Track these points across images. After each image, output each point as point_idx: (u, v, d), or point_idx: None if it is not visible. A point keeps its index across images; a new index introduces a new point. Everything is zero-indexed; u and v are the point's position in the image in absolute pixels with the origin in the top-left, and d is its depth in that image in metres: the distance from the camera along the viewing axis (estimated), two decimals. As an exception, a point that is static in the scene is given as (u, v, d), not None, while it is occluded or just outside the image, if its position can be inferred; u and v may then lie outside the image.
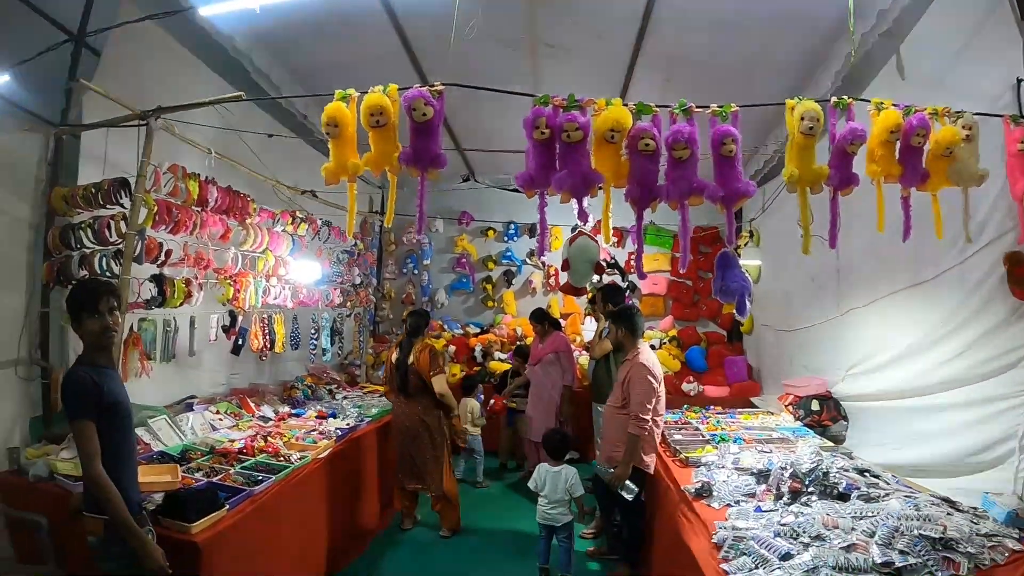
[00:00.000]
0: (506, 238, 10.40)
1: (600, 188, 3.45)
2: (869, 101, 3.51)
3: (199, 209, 4.83)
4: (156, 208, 4.30)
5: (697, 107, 3.45)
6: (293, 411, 6.24)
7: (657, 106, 3.43)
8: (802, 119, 3.32)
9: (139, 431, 4.68)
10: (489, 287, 10.41)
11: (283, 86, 5.98)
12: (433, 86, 3.37)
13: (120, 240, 4.20)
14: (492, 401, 7.95)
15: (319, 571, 4.83)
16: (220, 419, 5.47)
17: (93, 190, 4.28)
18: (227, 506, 3.71)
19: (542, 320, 7.25)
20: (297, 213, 6.28)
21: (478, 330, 10.00)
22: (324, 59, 5.82)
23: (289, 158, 6.46)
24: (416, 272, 10.54)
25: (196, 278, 4.95)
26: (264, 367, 7.08)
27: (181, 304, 4.75)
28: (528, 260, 10.34)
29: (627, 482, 4.64)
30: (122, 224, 4.20)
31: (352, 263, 7.88)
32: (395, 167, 3.46)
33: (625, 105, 3.40)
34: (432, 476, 5.82)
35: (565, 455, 5.19)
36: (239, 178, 5.39)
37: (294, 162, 6.49)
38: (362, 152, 3.52)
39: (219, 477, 4.19)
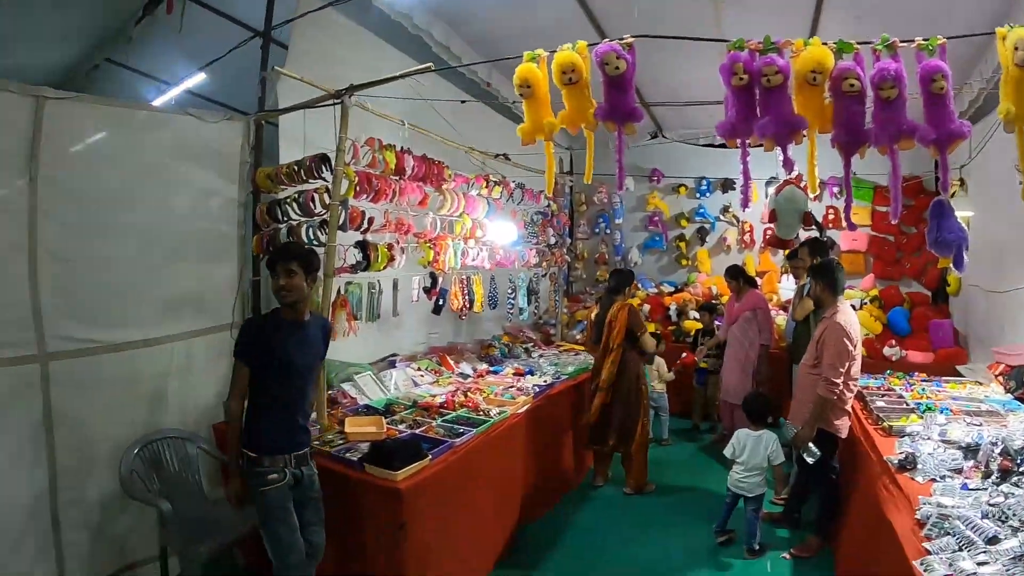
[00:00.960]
0: (698, 194, 9.80)
1: (804, 134, 3.11)
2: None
3: (397, 178, 4.89)
4: (356, 179, 4.38)
5: (901, 42, 3.04)
6: (491, 368, 6.27)
7: (858, 43, 3.11)
8: (1016, 49, 2.79)
9: (346, 385, 4.95)
10: (682, 245, 9.91)
11: (464, 57, 5.99)
12: (623, 39, 3.22)
13: (324, 211, 4.33)
14: (684, 355, 7.70)
15: (512, 522, 4.80)
16: (421, 375, 5.64)
17: (296, 167, 4.45)
18: (430, 456, 3.78)
19: (737, 276, 6.70)
20: (491, 177, 6.22)
21: (672, 289, 9.55)
22: (501, 29, 5.77)
23: (478, 126, 6.46)
24: (608, 232, 10.27)
25: (397, 243, 5.03)
26: (462, 326, 7.21)
27: (384, 267, 4.85)
28: (722, 216, 9.69)
29: (809, 444, 4.24)
30: (325, 196, 4.32)
31: (546, 224, 7.75)
32: (591, 123, 3.38)
33: (824, 44, 3.06)
34: (625, 433, 5.65)
35: (766, 419, 4.79)
36: (433, 147, 5.41)
37: (483, 129, 6.48)
38: (555, 112, 3.46)
39: (422, 429, 4.30)
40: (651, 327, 8.00)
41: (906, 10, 4.94)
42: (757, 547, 4.63)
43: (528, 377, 5.92)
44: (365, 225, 4.63)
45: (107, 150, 3.93)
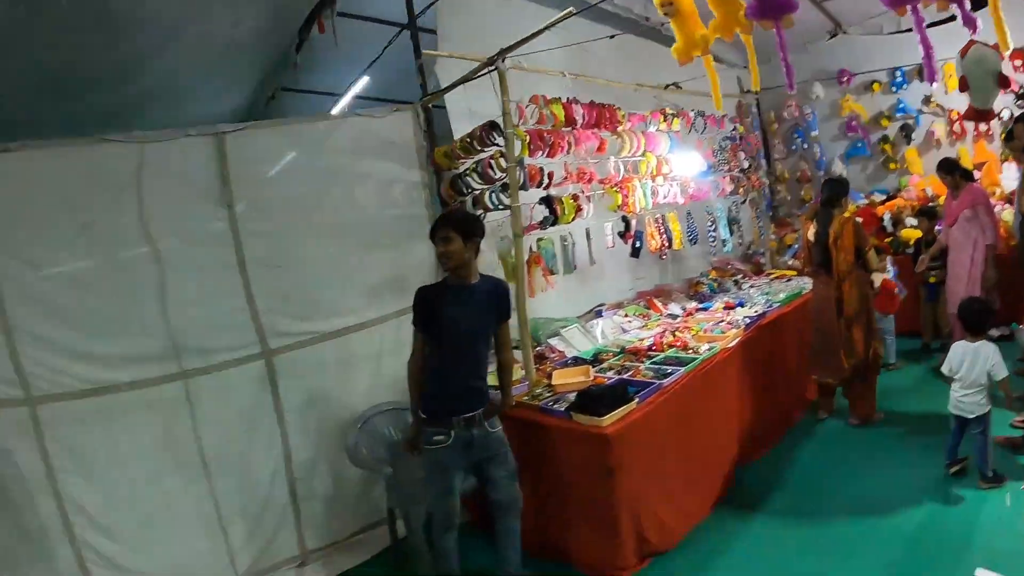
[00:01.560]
0: (894, 88, 8.43)
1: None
2: None
3: (569, 129, 4.76)
4: (528, 138, 4.31)
5: None
6: (700, 306, 5.93)
7: None
8: None
9: (553, 340, 4.90)
10: (887, 147, 8.63)
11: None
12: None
13: (503, 175, 4.30)
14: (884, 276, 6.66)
15: (729, 463, 4.48)
16: (629, 321, 5.48)
17: (468, 139, 4.46)
18: (636, 399, 3.63)
19: (951, 171, 5.72)
20: (667, 110, 5.88)
21: (884, 197, 8.38)
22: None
23: (642, 64, 6.10)
24: (806, 146, 9.24)
25: (582, 192, 4.92)
26: (667, 268, 6.89)
27: (573, 219, 4.76)
28: (925, 108, 8.26)
29: None
30: (501, 160, 4.30)
31: (735, 148, 7.23)
32: (744, 25, 3.12)
33: None
34: (855, 361, 5.07)
35: (986, 329, 4.06)
36: (601, 92, 5.20)
37: (650, 65, 6.08)
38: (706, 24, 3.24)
39: (629, 374, 4.14)
40: (875, 241, 7.19)
41: None
42: (991, 475, 3.92)
43: (738, 309, 5.51)
44: (546, 181, 4.57)
45: (289, 164, 4.28)
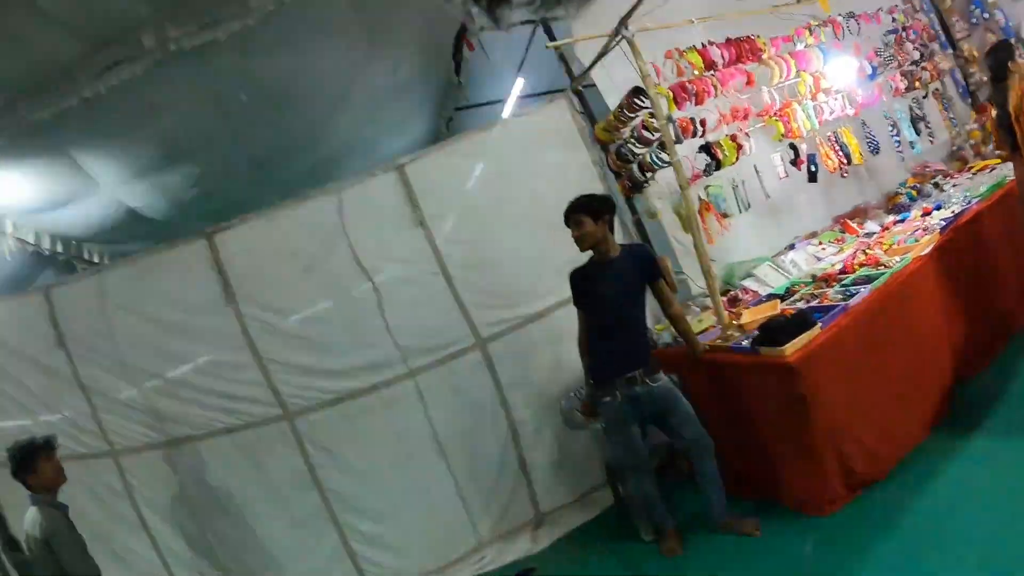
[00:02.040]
0: None
1: None
2: None
3: (711, 73, 4.80)
4: (671, 94, 4.45)
5: None
6: (898, 218, 5.57)
7: None
8: None
9: (747, 282, 4.99)
10: None
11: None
12: None
13: (658, 134, 4.44)
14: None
15: (944, 380, 4.15)
16: (823, 249, 5.31)
17: (619, 110, 4.70)
18: (819, 324, 3.59)
19: None
20: (812, 23, 5.64)
21: None
22: None
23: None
24: (986, 16, 8.32)
25: (740, 130, 4.93)
26: (862, 185, 6.49)
27: (737, 159, 4.80)
28: None
29: None
30: (652, 121, 4.45)
31: (900, 40, 6.73)
32: None
33: None
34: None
35: None
36: (737, 27, 5.16)
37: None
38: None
39: (817, 301, 4.11)
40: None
41: None
42: None
43: (935, 213, 5.12)
44: (700, 129, 4.66)
45: (466, 173, 4.91)
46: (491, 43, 5.82)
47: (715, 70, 4.82)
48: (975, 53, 8.60)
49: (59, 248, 6.91)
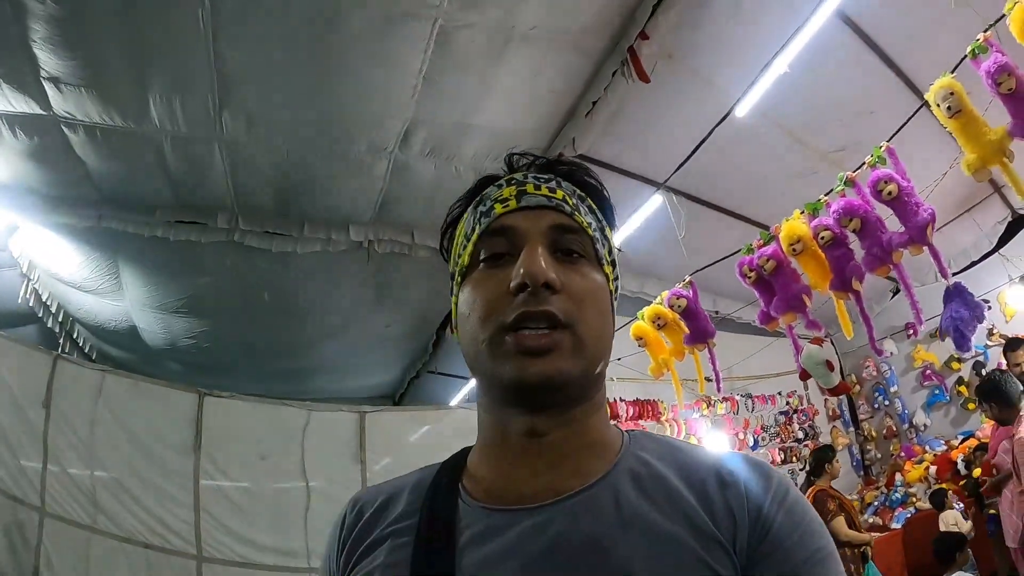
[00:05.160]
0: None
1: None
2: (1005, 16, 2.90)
3: (614, 423, 6.44)
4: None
5: (853, 172, 3.68)
6: None
7: (824, 195, 3.87)
8: (938, 106, 3.07)
9: None
10: (963, 389, 9.30)
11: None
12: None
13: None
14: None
15: None
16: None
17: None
18: None
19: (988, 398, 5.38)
20: (712, 398, 7.43)
21: (962, 439, 8.77)
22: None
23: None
24: (888, 403, 10.26)
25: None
26: None
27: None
28: (990, 342, 8.93)
29: None
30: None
31: (789, 421, 8.52)
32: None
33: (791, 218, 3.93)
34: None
35: (952, 558, 4.93)
36: (644, 390, 6.90)
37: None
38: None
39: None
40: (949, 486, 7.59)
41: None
42: None
43: None
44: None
45: (411, 431, 6.48)
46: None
47: (617, 421, 6.50)
48: (873, 433, 10.44)
49: (58, 315, 8.40)
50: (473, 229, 1.00)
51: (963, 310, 3.78)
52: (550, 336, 0.90)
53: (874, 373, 10.33)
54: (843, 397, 10.06)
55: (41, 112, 5.38)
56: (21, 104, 5.33)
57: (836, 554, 0.88)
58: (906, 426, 10.01)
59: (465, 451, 1.12)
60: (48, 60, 4.91)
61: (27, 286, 7.68)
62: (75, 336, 9.06)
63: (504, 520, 0.91)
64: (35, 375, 5.98)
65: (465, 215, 1.05)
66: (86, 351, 9.26)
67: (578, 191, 1.03)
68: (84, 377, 6.30)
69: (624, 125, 5.84)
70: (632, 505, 0.89)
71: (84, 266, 7.21)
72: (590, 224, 1.01)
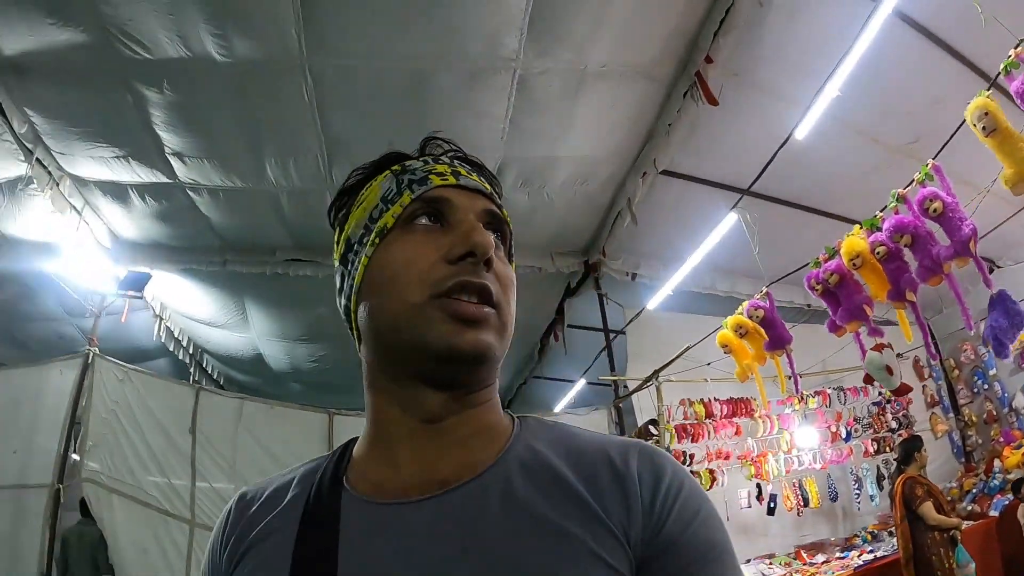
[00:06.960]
0: None
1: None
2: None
3: (709, 421, 6.94)
4: (674, 431, 6.62)
5: (904, 189, 3.93)
6: (841, 554, 7.32)
7: (879, 211, 4.16)
8: (975, 125, 3.23)
9: None
10: None
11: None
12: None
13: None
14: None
15: None
16: (771, 567, 7.17)
17: (637, 432, 6.84)
18: None
19: None
20: (804, 392, 7.69)
21: None
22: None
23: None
24: (987, 387, 10.05)
25: (719, 467, 7.02)
26: (834, 524, 8.38)
27: (710, 487, 6.83)
28: None
29: None
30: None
31: (882, 411, 8.65)
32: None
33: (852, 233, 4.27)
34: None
35: None
36: (738, 388, 7.29)
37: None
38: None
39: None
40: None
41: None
42: None
43: (864, 556, 6.95)
44: (688, 460, 6.74)
45: None
46: (570, 341, 8.22)
47: (712, 419, 6.97)
48: (974, 418, 10.32)
49: (189, 347, 9.54)
50: (400, 193, 0.97)
51: (1003, 319, 4.00)
52: (482, 309, 0.90)
53: (972, 356, 10.14)
54: (942, 383, 10.07)
55: (167, 181, 6.34)
56: (148, 176, 6.30)
57: (731, 549, 0.88)
58: (1006, 410, 9.72)
59: (352, 441, 1.07)
60: (170, 139, 5.84)
61: (160, 325, 8.73)
62: (204, 365, 10.20)
63: (389, 514, 0.89)
64: (180, 406, 6.95)
65: (375, 182, 1.02)
66: (215, 377, 10.40)
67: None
68: (224, 404, 7.25)
69: (700, 140, 6.37)
70: (520, 497, 0.87)
71: (214, 304, 8.23)
72: (509, 220, 1.03)
